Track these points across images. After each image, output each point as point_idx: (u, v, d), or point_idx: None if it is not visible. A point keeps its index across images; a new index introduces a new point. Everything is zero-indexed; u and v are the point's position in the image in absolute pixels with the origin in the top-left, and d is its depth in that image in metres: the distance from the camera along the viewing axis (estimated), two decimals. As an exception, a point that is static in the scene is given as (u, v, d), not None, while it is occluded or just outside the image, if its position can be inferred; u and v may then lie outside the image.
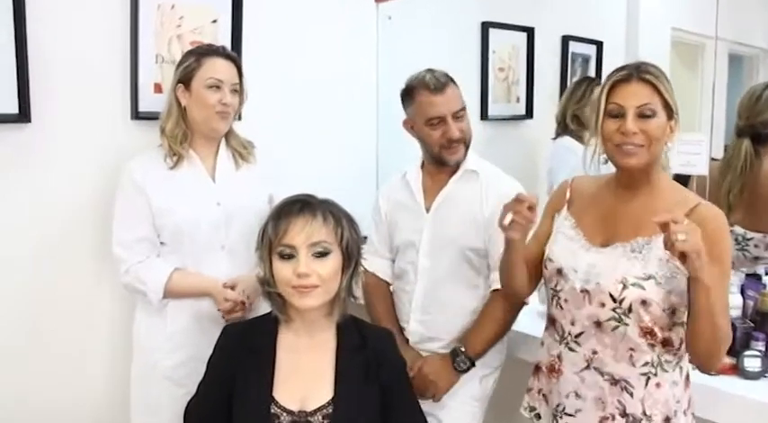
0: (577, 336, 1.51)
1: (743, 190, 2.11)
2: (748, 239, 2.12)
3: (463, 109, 1.88)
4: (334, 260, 1.42)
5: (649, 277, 1.41)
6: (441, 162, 1.90)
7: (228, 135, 1.97)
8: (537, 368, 1.65)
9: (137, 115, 2.16)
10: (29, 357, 2.04)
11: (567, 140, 2.87)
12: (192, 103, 1.87)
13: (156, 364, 1.87)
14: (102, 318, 2.17)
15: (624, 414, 1.46)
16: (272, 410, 1.40)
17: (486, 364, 1.90)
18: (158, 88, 2.20)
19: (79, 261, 2.12)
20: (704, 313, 1.33)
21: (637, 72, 1.43)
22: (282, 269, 1.40)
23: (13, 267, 2.00)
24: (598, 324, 1.47)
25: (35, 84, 1.95)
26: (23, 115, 1.94)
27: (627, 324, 1.44)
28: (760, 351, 1.67)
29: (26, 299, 2.03)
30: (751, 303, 1.79)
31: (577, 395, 1.51)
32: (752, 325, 1.74)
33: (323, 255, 1.41)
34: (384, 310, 2.00)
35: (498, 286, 1.80)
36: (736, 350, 1.69)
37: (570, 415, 1.53)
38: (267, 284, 1.45)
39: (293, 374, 1.44)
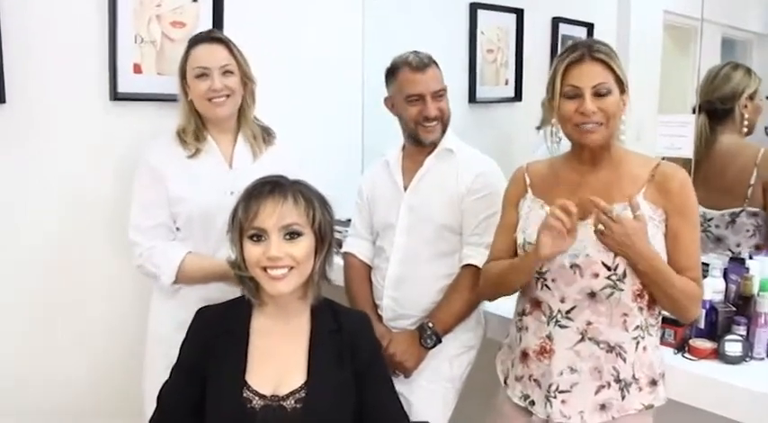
0: (569, 311, 1.52)
1: (699, 168, 2.07)
2: (709, 220, 2.12)
3: (443, 90, 1.91)
4: (307, 242, 1.40)
5: None
6: (417, 141, 1.92)
7: (243, 122, 1.95)
8: (524, 355, 1.61)
9: (116, 96, 2.13)
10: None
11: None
12: (192, 95, 1.87)
13: (166, 352, 1.82)
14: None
15: (618, 380, 1.50)
16: (245, 394, 1.38)
17: (458, 343, 1.90)
18: (138, 69, 2.17)
19: (58, 241, 2.10)
20: (654, 288, 1.46)
21: (589, 51, 1.48)
22: (253, 251, 1.39)
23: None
24: (592, 295, 1.49)
25: (10, 63, 1.92)
26: (-3, 96, 1.91)
27: (622, 289, 1.47)
28: (741, 335, 1.65)
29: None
30: (733, 287, 1.76)
31: (572, 370, 1.52)
32: (734, 309, 1.72)
33: (294, 237, 1.39)
34: (360, 291, 2.01)
35: (469, 262, 1.84)
36: (717, 335, 1.68)
37: (565, 391, 1.52)
38: (238, 268, 1.44)
39: (266, 359, 1.43)
